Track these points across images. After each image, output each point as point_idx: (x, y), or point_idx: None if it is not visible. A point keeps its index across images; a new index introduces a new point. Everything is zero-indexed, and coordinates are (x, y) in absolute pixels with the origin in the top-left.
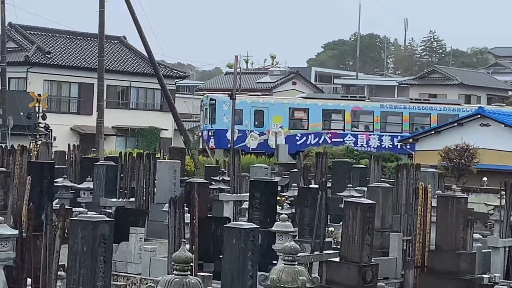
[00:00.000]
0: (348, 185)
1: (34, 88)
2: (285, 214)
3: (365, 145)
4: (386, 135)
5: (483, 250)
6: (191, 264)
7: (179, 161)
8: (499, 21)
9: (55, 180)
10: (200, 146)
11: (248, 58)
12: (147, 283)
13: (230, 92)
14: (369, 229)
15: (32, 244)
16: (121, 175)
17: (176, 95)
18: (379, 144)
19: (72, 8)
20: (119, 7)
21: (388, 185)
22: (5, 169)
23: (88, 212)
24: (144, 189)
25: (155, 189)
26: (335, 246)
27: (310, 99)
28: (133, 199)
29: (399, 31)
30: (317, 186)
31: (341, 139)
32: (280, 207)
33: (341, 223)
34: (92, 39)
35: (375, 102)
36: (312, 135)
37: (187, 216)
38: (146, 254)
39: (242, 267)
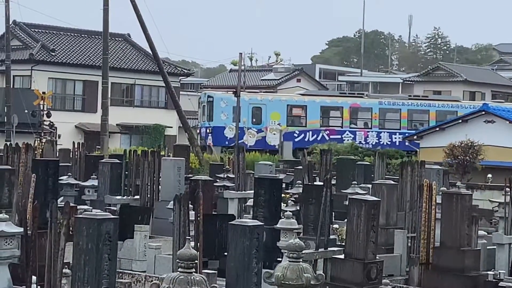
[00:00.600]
0: (353, 182)
1: (39, 86)
2: (290, 211)
3: (364, 142)
4: (384, 132)
5: (488, 247)
6: (196, 261)
7: (183, 158)
8: (504, 18)
9: (60, 178)
10: (199, 143)
11: (252, 55)
12: (152, 281)
13: (234, 90)
14: (374, 226)
15: (37, 242)
16: (126, 172)
17: (181, 92)
18: (377, 141)
19: (76, 6)
20: (124, 5)
21: (393, 182)
22: (10, 167)
23: (93, 210)
24: (149, 187)
25: (159, 186)
26: (339, 243)
27: (308, 96)
28: (137, 197)
29: (403, 28)
30: (321, 183)
31: (339, 136)
32: (285, 204)
33: (345, 220)
34: (97, 36)
35: (373, 99)
36: (310, 132)
37: (192, 214)
38: (151, 251)
39: (246, 264)
